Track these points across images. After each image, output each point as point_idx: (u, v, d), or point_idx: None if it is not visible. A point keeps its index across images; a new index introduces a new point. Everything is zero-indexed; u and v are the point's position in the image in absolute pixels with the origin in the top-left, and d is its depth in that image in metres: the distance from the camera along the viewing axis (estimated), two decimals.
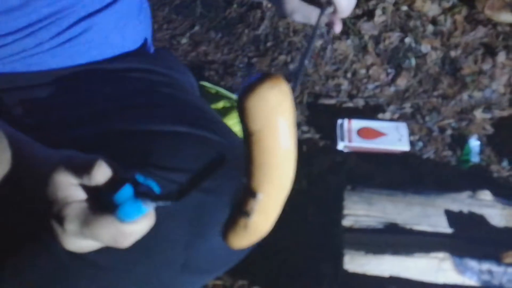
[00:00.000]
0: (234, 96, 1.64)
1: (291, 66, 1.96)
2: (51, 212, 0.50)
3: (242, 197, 0.44)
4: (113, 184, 0.49)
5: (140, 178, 0.49)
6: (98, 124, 0.70)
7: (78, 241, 0.50)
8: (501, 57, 1.84)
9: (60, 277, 0.60)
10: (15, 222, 0.60)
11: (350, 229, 1.12)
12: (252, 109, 0.40)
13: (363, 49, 1.94)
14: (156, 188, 0.49)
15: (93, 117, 0.71)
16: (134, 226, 0.48)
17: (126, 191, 0.48)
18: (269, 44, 2.06)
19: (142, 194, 0.48)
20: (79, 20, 0.75)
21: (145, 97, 0.75)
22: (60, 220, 0.49)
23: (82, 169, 0.50)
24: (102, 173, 0.49)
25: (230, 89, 1.71)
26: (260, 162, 0.42)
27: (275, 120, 0.41)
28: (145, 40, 0.86)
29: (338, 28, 0.77)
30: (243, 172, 0.44)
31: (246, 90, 0.41)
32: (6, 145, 0.52)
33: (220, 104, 1.58)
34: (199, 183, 0.47)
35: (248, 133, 0.41)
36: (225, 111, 1.54)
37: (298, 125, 1.73)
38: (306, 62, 0.69)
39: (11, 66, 0.73)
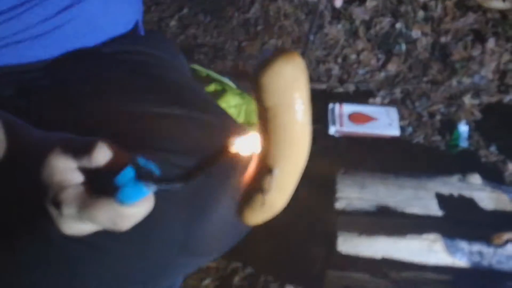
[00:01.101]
0: (225, 79, 1.63)
1: None
2: (47, 196, 0.49)
3: (258, 174, 0.44)
4: (114, 167, 0.48)
5: (141, 160, 0.48)
6: (92, 105, 0.69)
7: (76, 225, 0.50)
8: (491, 43, 1.86)
9: (56, 260, 0.60)
10: (10, 204, 0.59)
11: (343, 212, 1.13)
12: (267, 85, 0.40)
13: (354, 34, 1.94)
14: (157, 171, 0.48)
15: (87, 98, 0.71)
16: (134, 208, 0.48)
17: (128, 173, 0.47)
18: (259, 27, 2.05)
19: (144, 176, 0.47)
20: (67, 7, 0.73)
21: (138, 79, 0.75)
22: (57, 204, 0.48)
23: (81, 152, 0.49)
24: (103, 155, 0.48)
25: (220, 72, 1.71)
26: (275, 138, 0.42)
27: (291, 95, 0.41)
28: (136, 22, 0.85)
29: (338, 2, 0.77)
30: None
31: (261, 66, 0.41)
32: None
33: (212, 87, 1.58)
34: (203, 169, 0.47)
35: (263, 109, 0.41)
36: (216, 94, 1.54)
37: None
38: (311, 37, 0.69)
39: (0, 57, 0.72)
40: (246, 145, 0.44)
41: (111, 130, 0.63)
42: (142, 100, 0.70)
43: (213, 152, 0.46)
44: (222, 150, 0.46)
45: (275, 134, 0.42)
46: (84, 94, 0.71)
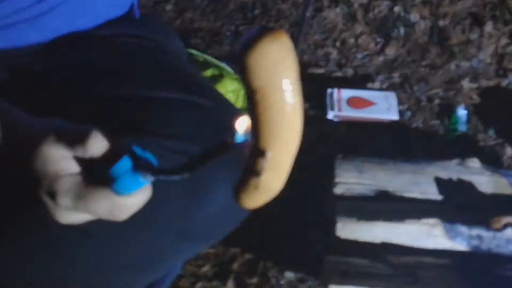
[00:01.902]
0: (222, 64, 1.62)
1: None
2: (42, 186, 0.48)
3: (251, 157, 0.43)
4: (109, 156, 0.47)
5: (137, 150, 0.47)
6: (85, 89, 0.68)
7: (72, 215, 0.49)
8: (489, 27, 1.85)
9: (52, 247, 0.59)
10: (6, 191, 0.58)
11: (342, 197, 1.12)
12: (253, 66, 0.39)
13: (352, 17, 1.92)
14: (154, 161, 0.47)
15: (80, 82, 0.70)
16: (132, 199, 0.47)
17: (125, 163, 0.46)
18: (256, 11, 2.03)
19: (141, 166, 0.46)
20: None
21: (133, 63, 0.74)
22: (52, 194, 0.47)
23: (75, 141, 0.48)
24: (97, 145, 0.47)
25: (217, 57, 1.69)
26: (266, 120, 0.41)
27: (278, 76, 0.39)
28: (131, 5, 0.84)
29: None
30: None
31: (246, 46, 0.39)
32: None
33: (209, 72, 1.57)
34: (203, 162, 0.46)
35: (251, 91, 0.40)
36: (214, 79, 1.53)
37: None
38: (308, 14, 0.67)
39: None
40: (244, 132, 0.43)
41: (104, 114, 0.62)
42: (137, 84, 0.69)
43: (215, 145, 0.45)
44: (224, 144, 0.45)
45: (265, 116, 0.41)
46: (78, 79, 0.70)
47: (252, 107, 0.41)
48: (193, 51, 1.66)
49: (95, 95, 0.67)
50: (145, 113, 0.64)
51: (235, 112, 0.72)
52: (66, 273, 0.61)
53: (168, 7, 2.09)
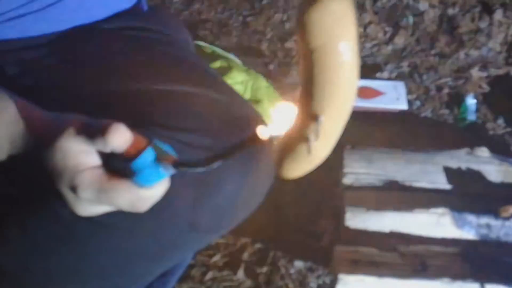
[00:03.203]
0: (230, 56, 1.62)
1: (287, 25, 1.94)
2: (62, 180, 0.49)
3: (300, 123, 0.42)
4: (129, 149, 0.48)
5: (158, 142, 0.48)
6: (96, 84, 0.68)
7: (92, 207, 0.50)
8: (498, 14, 1.83)
9: (66, 238, 0.60)
10: (23, 182, 0.59)
11: (351, 187, 1.13)
12: (314, 22, 0.37)
13: (361, 7, 1.91)
14: (173, 153, 0.48)
15: (91, 76, 0.70)
16: (153, 190, 0.48)
17: (148, 155, 0.47)
18: (264, 2, 2.03)
19: (163, 159, 0.47)
20: None
21: (142, 55, 0.74)
22: (73, 188, 0.48)
23: (96, 134, 0.48)
24: (119, 138, 0.48)
25: (225, 49, 1.69)
26: (322, 81, 0.40)
27: (340, 32, 0.38)
28: None
29: None
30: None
31: (309, 2, 0.38)
32: (10, 104, 0.51)
33: (217, 64, 1.57)
34: (225, 156, 0.46)
35: (309, 51, 0.39)
36: (222, 71, 1.53)
37: (296, 85, 1.72)
38: None
39: (3, 31, 0.71)
40: (270, 133, 0.42)
41: (114, 107, 0.63)
42: (146, 77, 0.69)
43: (236, 141, 0.45)
44: (245, 140, 0.45)
45: (321, 77, 0.39)
46: (87, 72, 0.71)
47: (308, 68, 0.39)
48: (201, 43, 1.66)
49: (105, 89, 0.67)
50: (154, 106, 0.64)
51: (245, 105, 0.73)
52: (80, 264, 0.62)
53: None
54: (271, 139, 0.43)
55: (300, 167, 0.44)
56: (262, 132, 0.42)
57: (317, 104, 0.40)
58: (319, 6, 0.37)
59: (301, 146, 0.42)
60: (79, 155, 0.49)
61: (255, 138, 0.44)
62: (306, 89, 0.41)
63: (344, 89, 0.40)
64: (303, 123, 0.42)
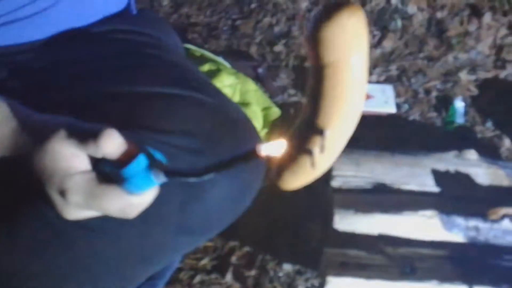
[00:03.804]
0: (219, 59, 1.62)
1: (276, 29, 1.94)
2: (51, 183, 0.48)
3: (305, 135, 0.41)
4: (121, 155, 0.47)
5: (150, 150, 0.47)
6: (84, 86, 0.68)
7: (80, 212, 0.49)
8: (487, 18, 1.85)
9: (54, 242, 0.59)
10: (10, 186, 0.58)
11: (339, 190, 1.13)
12: (329, 38, 0.37)
13: None
14: (164, 160, 0.48)
15: (79, 79, 0.69)
16: (143, 197, 0.47)
17: (140, 162, 0.46)
18: (253, 5, 2.03)
19: (155, 166, 0.46)
20: None
21: (131, 58, 0.73)
22: (62, 192, 0.48)
23: (87, 139, 0.47)
24: (111, 144, 0.47)
25: (214, 52, 1.69)
26: (331, 96, 0.39)
27: (353, 49, 0.38)
28: (128, 1, 0.84)
29: None
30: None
31: (322, 18, 0.37)
32: (1, 103, 0.51)
33: (206, 67, 1.57)
34: (219, 169, 0.46)
35: (321, 66, 0.38)
36: (211, 74, 1.53)
37: (285, 88, 1.72)
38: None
39: None
40: (267, 151, 0.42)
41: (102, 110, 0.62)
42: (135, 80, 0.69)
43: (232, 155, 0.45)
44: (242, 155, 0.44)
45: (331, 92, 0.39)
46: (76, 76, 0.70)
47: (318, 83, 0.39)
48: (190, 46, 1.66)
49: (94, 91, 0.67)
50: (143, 108, 0.64)
51: (234, 108, 0.72)
52: (67, 267, 0.61)
53: (165, 2, 2.09)
54: (266, 158, 0.43)
55: (300, 179, 0.44)
56: (259, 151, 0.42)
57: (324, 119, 0.40)
58: (333, 22, 0.37)
59: (304, 159, 0.42)
60: (70, 158, 0.48)
61: (251, 154, 0.43)
62: (313, 103, 0.41)
63: (353, 104, 0.41)
64: (307, 136, 0.41)
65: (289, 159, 0.43)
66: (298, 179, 0.43)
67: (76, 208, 0.48)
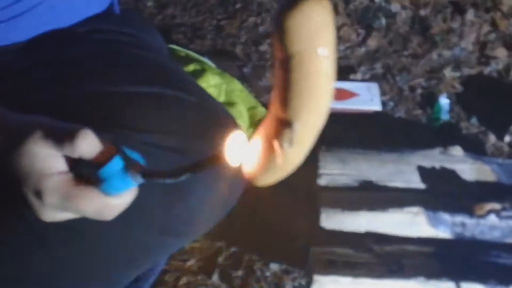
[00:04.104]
0: (204, 59, 1.62)
1: (261, 28, 1.94)
2: (27, 184, 0.47)
3: (274, 130, 0.41)
4: (97, 156, 0.47)
5: (127, 150, 0.47)
6: (66, 87, 0.67)
7: (57, 214, 0.49)
8: (470, 14, 1.86)
9: (35, 245, 0.59)
10: None
11: (326, 188, 1.12)
12: (295, 28, 0.37)
13: (334, 9, 1.92)
14: (142, 161, 0.47)
15: (59, 80, 0.69)
16: (120, 199, 0.47)
17: (116, 164, 0.46)
18: (238, 5, 2.03)
19: (131, 168, 0.46)
20: None
21: (113, 58, 0.73)
22: (38, 193, 0.47)
23: (63, 139, 0.47)
24: (87, 144, 0.47)
25: (199, 52, 1.69)
26: (298, 88, 0.39)
27: (319, 40, 0.37)
28: (111, 2, 0.83)
29: None
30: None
31: (288, 8, 0.37)
32: None
33: (191, 67, 1.56)
34: (196, 169, 0.45)
35: (287, 57, 0.38)
36: (196, 74, 1.52)
37: (270, 88, 1.72)
38: None
39: None
40: (242, 150, 0.41)
41: (83, 111, 0.61)
42: (116, 79, 0.68)
43: (210, 154, 0.45)
44: (219, 153, 0.44)
45: (298, 84, 0.38)
46: (57, 76, 0.70)
47: (284, 74, 0.38)
48: (175, 47, 1.65)
49: (75, 92, 0.66)
50: (125, 108, 0.63)
51: (217, 107, 0.72)
52: (49, 270, 0.61)
53: (149, 3, 2.08)
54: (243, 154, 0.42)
55: (273, 174, 0.43)
56: (234, 153, 0.42)
57: (292, 111, 0.40)
58: (299, 12, 0.37)
59: (274, 154, 0.41)
60: (46, 159, 0.47)
61: (226, 154, 0.43)
62: (280, 96, 0.40)
63: (320, 96, 0.40)
64: (277, 130, 0.41)
65: (260, 154, 0.42)
66: (270, 175, 0.43)
67: (53, 210, 0.48)
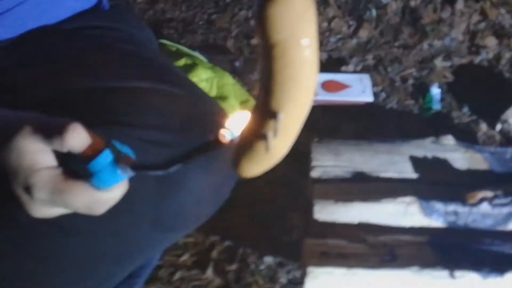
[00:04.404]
0: (195, 53, 1.61)
1: (252, 22, 1.93)
2: (16, 180, 0.47)
3: (259, 120, 0.40)
4: (87, 150, 0.46)
5: (116, 144, 0.47)
6: (53, 84, 0.67)
7: (47, 209, 0.48)
8: (460, 4, 1.86)
9: (25, 242, 0.58)
10: None
11: (319, 180, 1.12)
12: (276, 16, 0.36)
13: (325, 1, 1.92)
14: (132, 155, 0.47)
15: (49, 76, 0.68)
16: (110, 193, 0.47)
17: (105, 157, 0.45)
18: None
19: (121, 161, 0.46)
20: None
21: (102, 54, 0.73)
22: (28, 188, 0.47)
23: (52, 134, 0.47)
24: (76, 139, 0.46)
25: (190, 47, 1.68)
26: (281, 78, 0.38)
27: (301, 29, 0.37)
28: None
29: None
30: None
31: None
32: None
33: (182, 62, 1.56)
34: (185, 160, 0.45)
35: (269, 46, 0.37)
36: (187, 69, 1.52)
37: None
38: None
39: None
40: (231, 137, 0.41)
41: (74, 107, 0.61)
42: (107, 75, 0.68)
43: (198, 138, 0.45)
44: (206, 144, 0.44)
45: (281, 73, 0.38)
46: (47, 73, 0.69)
47: (267, 64, 0.38)
48: (165, 41, 1.64)
49: (64, 88, 0.66)
50: (115, 103, 0.63)
51: (208, 101, 0.72)
52: (40, 268, 0.60)
53: None
54: (232, 142, 0.42)
55: (257, 165, 0.43)
56: (223, 136, 0.42)
57: (276, 101, 0.40)
58: (280, 0, 0.36)
59: (259, 145, 0.41)
60: (35, 154, 0.47)
61: (216, 142, 0.43)
62: (264, 86, 0.40)
63: (304, 85, 0.40)
64: (261, 120, 0.41)
65: (244, 145, 0.42)
66: (254, 166, 0.42)
67: (43, 205, 0.47)
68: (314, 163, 1.15)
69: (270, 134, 0.40)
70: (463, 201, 1.06)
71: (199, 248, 1.26)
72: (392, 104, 1.64)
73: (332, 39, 1.83)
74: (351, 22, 1.87)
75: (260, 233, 1.28)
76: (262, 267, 1.22)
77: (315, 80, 0.40)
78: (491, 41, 1.78)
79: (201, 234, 1.28)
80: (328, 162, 1.16)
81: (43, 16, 0.74)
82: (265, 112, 0.40)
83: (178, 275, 1.21)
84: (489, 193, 1.07)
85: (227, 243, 1.27)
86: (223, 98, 1.49)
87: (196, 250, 1.26)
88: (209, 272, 1.21)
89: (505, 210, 1.06)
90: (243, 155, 0.42)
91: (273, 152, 0.41)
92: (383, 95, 1.66)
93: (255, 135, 0.41)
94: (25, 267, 0.60)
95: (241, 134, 0.42)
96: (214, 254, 1.25)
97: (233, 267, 1.22)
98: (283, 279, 1.20)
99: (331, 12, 1.90)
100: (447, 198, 1.07)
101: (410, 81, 1.70)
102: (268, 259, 1.23)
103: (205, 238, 1.28)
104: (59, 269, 0.61)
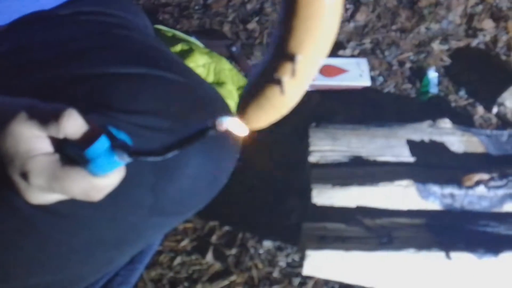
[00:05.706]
0: (191, 39, 1.60)
1: (249, 6, 1.92)
2: (13, 166, 0.47)
3: (274, 62, 0.39)
4: (83, 136, 0.47)
5: (113, 130, 0.47)
6: (49, 70, 0.66)
7: (44, 195, 0.48)
8: None
9: (24, 230, 0.58)
10: None
11: (317, 165, 1.13)
12: None
13: None
14: (129, 141, 0.47)
15: (44, 63, 0.68)
16: (107, 179, 0.47)
17: (102, 144, 0.45)
18: None
19: (118, 147, 0.46)
20: None
21: (97, 40, 0.72)
22: (24, 174, 0.47)
23: (48, 120, 0.47)
24: (72, 124, 0.46)
25: (186, 32, 1.67)
26: (303, 17, 0.36)
27: None
28: None
29: None
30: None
31: None
32: None
33: (178, 47, 1.55)
34: (182, 145, 0.45)
35: None
36: (184, 54, 1.51)
37: None
38: None
39: None
40: (230, 124, 0.41)
41: (69, 93, 0.61)
42: (103, 61, 0.68)
43: (195, 130, 0.45)
44: (204, 128, 0.44)
45: (303, 11, 0.36)
46: (41, 59, 0.69)
47: (288, 3, 0.37)
48: (161, 27, 1.63)
49: (60, 75, 0.65)
50: (111, 89, 0.63)
51: (205, 86, 0.72)
52: (40, 255, 0.60)
53: None
54: (228, 130, 0.42)
55: (267, 114, 0.41)
56: (220, 123, 0.42)
57: (296, 42, 0.38)
58: None
59: (273, 89, 0.39)
60: (31, 140, 0.47)
61: (213, 127, 0.43)
62: (284, 26, 0.38)
63: (326, 26, 0.38)
64: (277, 63, 0.39)
65: (255, 93, 0.41)
66: (264, 115, 0.41)
67: (40, 191, 0.47)
68: (312, 147, 1.16)
69: (286, 76, 0.39)
70: (459, 183, 1.07)
71: (198, 233, 1.27)
72: (390, 88, 1.64)
73: None
74: (348, 6, 1.86)
75: (260, 218, 1.28)
76: (261, 251, 1.23)
77: (338, 23, 0.38)
78: (488, 24, 1.78)
79: (200, 219, 1.28)
80: (326, 147, 1.16)
81: (38, 1, 0.73)
82: (282, 54, 0.38)
83: (178, 260, 1.22)
84: (485, 176, 1.08)
85: (226, 228, 1.27)
86: (220, 83, 1.49)
87: (196, 235, 1.27)
88: (209, 257, 1.21)
89: (501, 192, 1.06)
90: (253, 102, 0.41)
91: (286, 97, 0.40)
92: (380, 79, 1.66)
93: (268, 80, 0.40)
94: (27, 255, 0.60)
95: (252, 80, 0.41)
96: (214, 239, 1.25)
97: (233, 251, 1.23)
98: (282, 263, 1.21)
99: None
100: (443, 181, 1.07)
101: (408, 65, 1.70)
102: (267, 243, 1.24)
103: (205, 223, 1.28)
104: (60, 255, 0.61)
